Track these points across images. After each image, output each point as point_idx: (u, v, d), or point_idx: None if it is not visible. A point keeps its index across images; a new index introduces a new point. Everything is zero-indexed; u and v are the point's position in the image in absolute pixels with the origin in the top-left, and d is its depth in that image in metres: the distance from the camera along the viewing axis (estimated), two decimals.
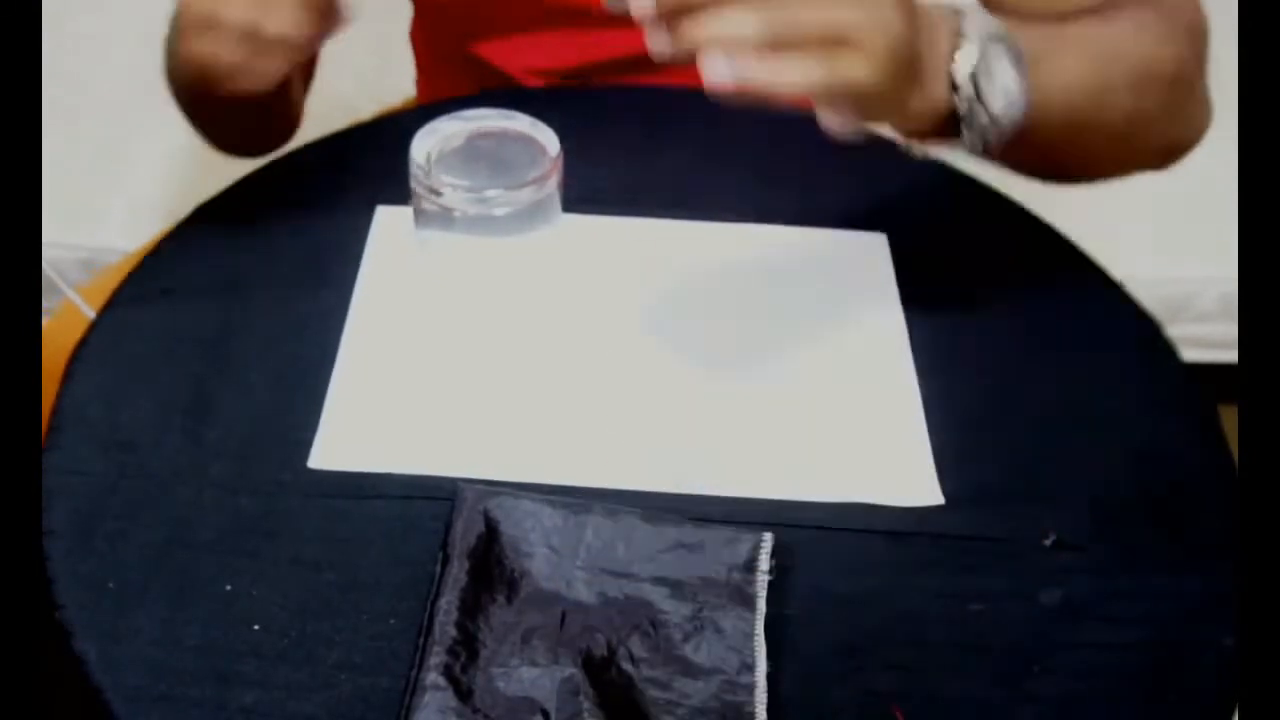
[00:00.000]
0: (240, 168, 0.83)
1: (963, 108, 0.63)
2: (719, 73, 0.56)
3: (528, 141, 0.72)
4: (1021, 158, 0.70)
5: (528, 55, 0.96)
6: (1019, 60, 0.63)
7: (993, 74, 0.62)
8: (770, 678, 0.58)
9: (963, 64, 0.62)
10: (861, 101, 0.59)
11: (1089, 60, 0.67)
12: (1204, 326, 1.46)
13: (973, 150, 0.65)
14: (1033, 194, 0.83)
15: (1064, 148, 0.70)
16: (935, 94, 0.62)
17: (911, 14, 0.59)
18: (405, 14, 1.09)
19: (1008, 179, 0.88)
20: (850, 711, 0.57)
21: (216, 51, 0.71)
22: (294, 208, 0.80)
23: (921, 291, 0.78)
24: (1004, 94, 0.63)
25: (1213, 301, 1.45)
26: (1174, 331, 0.80)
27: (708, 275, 0.78)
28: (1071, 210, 0.95)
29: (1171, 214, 1.46)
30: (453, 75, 1.04)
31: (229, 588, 0.60)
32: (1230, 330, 1.46)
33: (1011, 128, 0.64)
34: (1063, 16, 0.70)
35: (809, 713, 0.57)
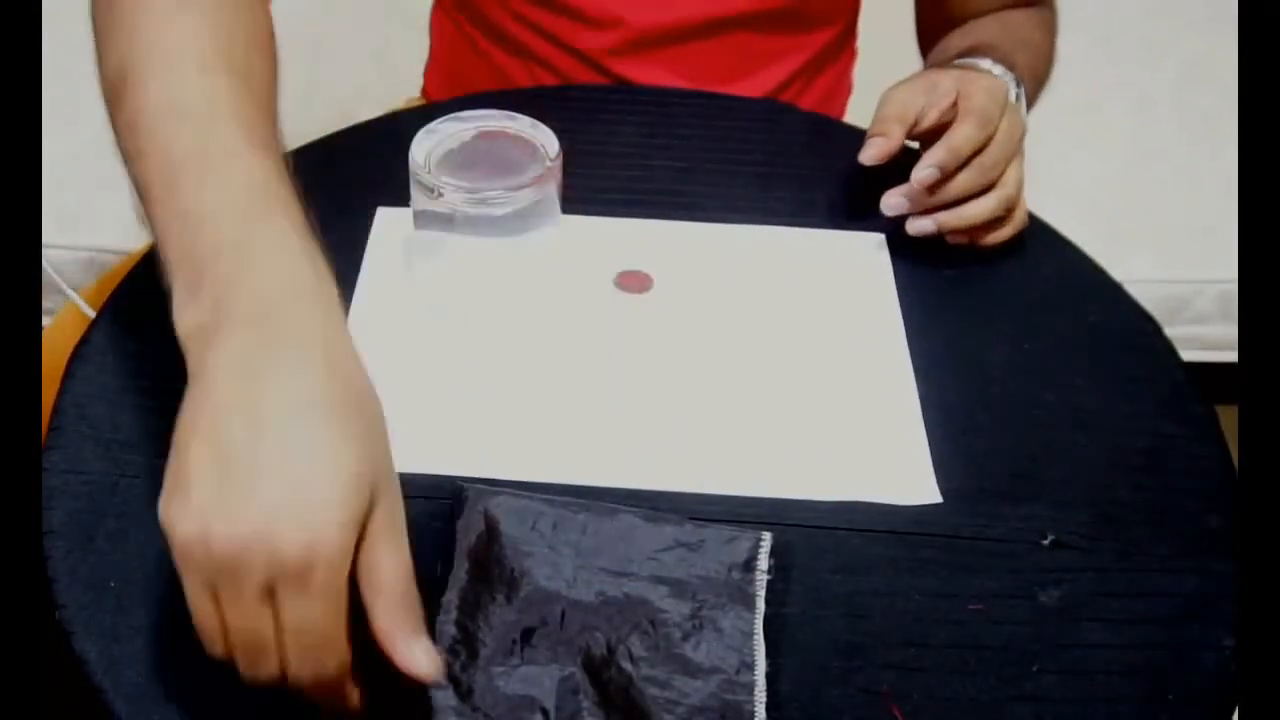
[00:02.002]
0: None
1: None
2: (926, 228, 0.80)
3: (528, 142, 0.72)
4: None
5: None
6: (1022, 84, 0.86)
7: (1023, 99, 0.85)
8: (770, 677, 0.58)
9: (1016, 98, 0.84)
10: None
11: (1032, 62, 0.90)
12: (1203, 327, 1.46)
13: None
14: (1032, 194, 0.83)
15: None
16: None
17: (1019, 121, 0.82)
18: (407, 13, 1.09)
19: None
20: (850, 711, 0.58)
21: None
22: None
23: (921, 291, 0.78)
24: (1029, 101, 0.86)
25: (1212, 301, 1.45)
26: (1173, 331, 0.80)
27: (707, 275, 0.78)
28: (1072, 210, 0.96)
29: (1171, 214, 1.46)
30: (473, 63, 1.04)
31: None
32: (1229, 330, 1.46)
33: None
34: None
35: (809, 712, 0.57)
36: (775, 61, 1.01)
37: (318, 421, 0.49)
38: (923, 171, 0.77)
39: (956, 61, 0.85)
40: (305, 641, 0.48)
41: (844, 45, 1.06)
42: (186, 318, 0.53)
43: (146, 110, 0.59)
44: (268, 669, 0.50)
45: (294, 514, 0.47)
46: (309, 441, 0.48)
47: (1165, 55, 1.63)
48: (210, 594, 0.48)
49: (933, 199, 0.79)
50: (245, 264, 0.52)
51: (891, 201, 0.80)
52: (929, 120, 0.80)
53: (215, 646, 0.50)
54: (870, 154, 0.79)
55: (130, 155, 0.60)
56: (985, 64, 0.84)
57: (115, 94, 0.62)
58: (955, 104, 0.79)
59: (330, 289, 0.53)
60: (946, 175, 0.78)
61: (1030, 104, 0.89)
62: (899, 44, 1.06)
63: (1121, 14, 1.71)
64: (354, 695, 0.52)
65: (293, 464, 0.48)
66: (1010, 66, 0.84)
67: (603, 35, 0.97)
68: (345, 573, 0.48)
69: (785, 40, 1.00)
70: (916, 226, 0.80)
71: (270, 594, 0.48)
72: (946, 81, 0.81)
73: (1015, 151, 0.80)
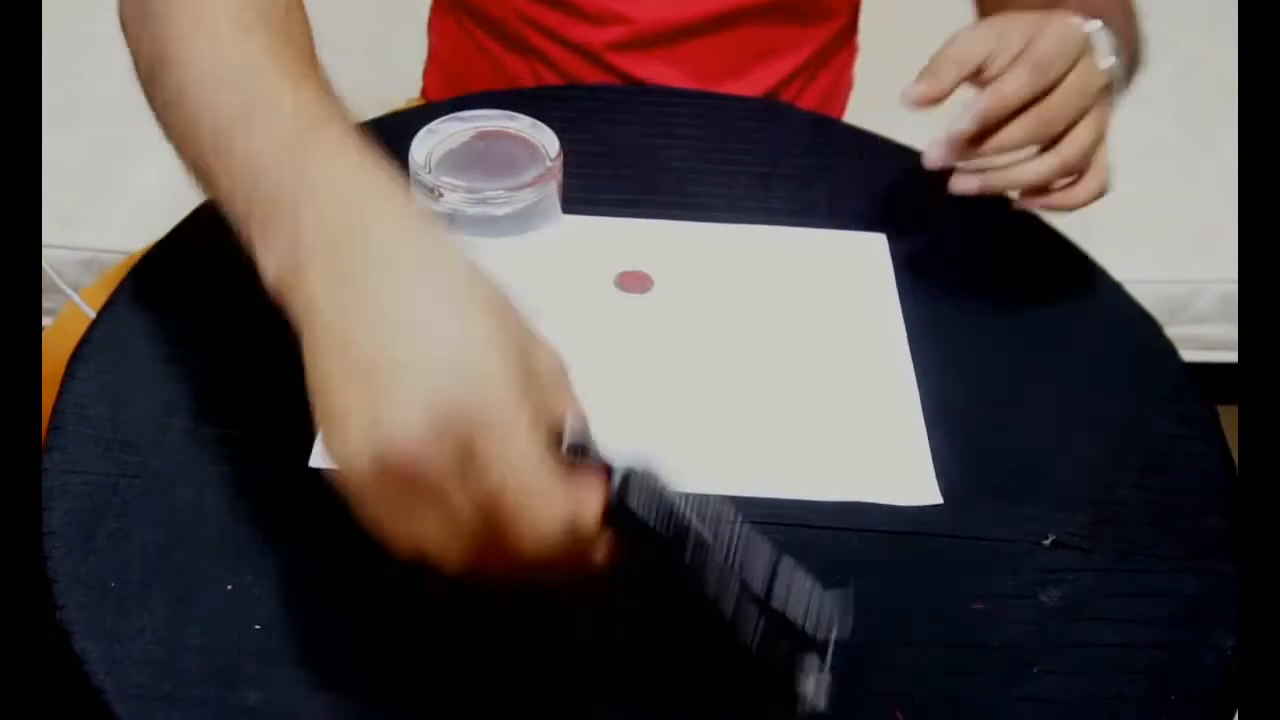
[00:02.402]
0: None
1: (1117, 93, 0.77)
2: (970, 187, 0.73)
3: (528, 142, 0.72)
4: None
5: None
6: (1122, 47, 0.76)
7: (1121, 73, 0.76)
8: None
9: (1106, 71, 0.74)
10: None
11: (1130, 23, 0.83)
12: (1203, 327, 1.46)
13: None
14: None
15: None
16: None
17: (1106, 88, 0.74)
18: (407, 13, 1.08)
19: None
20: (850, 712, 0.57)
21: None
22: None
23: (921, 291, 0.78)
24: (1128, 75, 0.77)
25: (1212, 302, 1.45)
26: (1174, 332, 0.80)
27: (707, 275, 0.78)
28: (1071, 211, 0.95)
29: (1171, 214, 1.46)
30: (474, 62, 1.04)
31: (230, 587, 0.60)
32: (1229, 330, 1.46)
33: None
34: None
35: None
36: (779, 56, 1.01)
37: (428, 297, 0.47)
38: (963, 120, 0.70)
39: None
40: (525, 489, 0.45)
41: (845, 40, 1.06)
42: (269, 266, 0.51)
43: (189, 83, 0.58)
44: (500, 555, 0.46)
45: (450, 380, 0.45)
46: (430, 316, 0.47)
47: (1165, 54, 1.63)
48: (411, 513, 0.46)
49: (979, 152, 0.71)
50: (307, 192, 0.51)
51: (934, 153, 0.72)
52: (995, 68, 0.71)
53: (447, 565, 0.47)
54: (912, 93, 0.71)
55: (178, 132, 0.60)
56: (1069, 16, 0.75)
57: (153, 76, 0.61)
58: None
59: (394, 181, 0.52)
60: (993, 126, 0.70)
61: (1130, 74, 0.80)
62: (900, 39, 1.06)
63: None
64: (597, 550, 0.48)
65: (426, 341, 0.46)
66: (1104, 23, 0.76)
67: (605, 31, 0.96)
68: (526, 403, 0.46)
69: (789, 33, 1.00)
70: (960, 185, 0.73)
71: (471, 470, 0.45)
72: (1020, 28, 0.72)
73: (1084, 106, 0.72)
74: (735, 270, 0.79)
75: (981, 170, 0.73)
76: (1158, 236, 1.44)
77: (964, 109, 0.70)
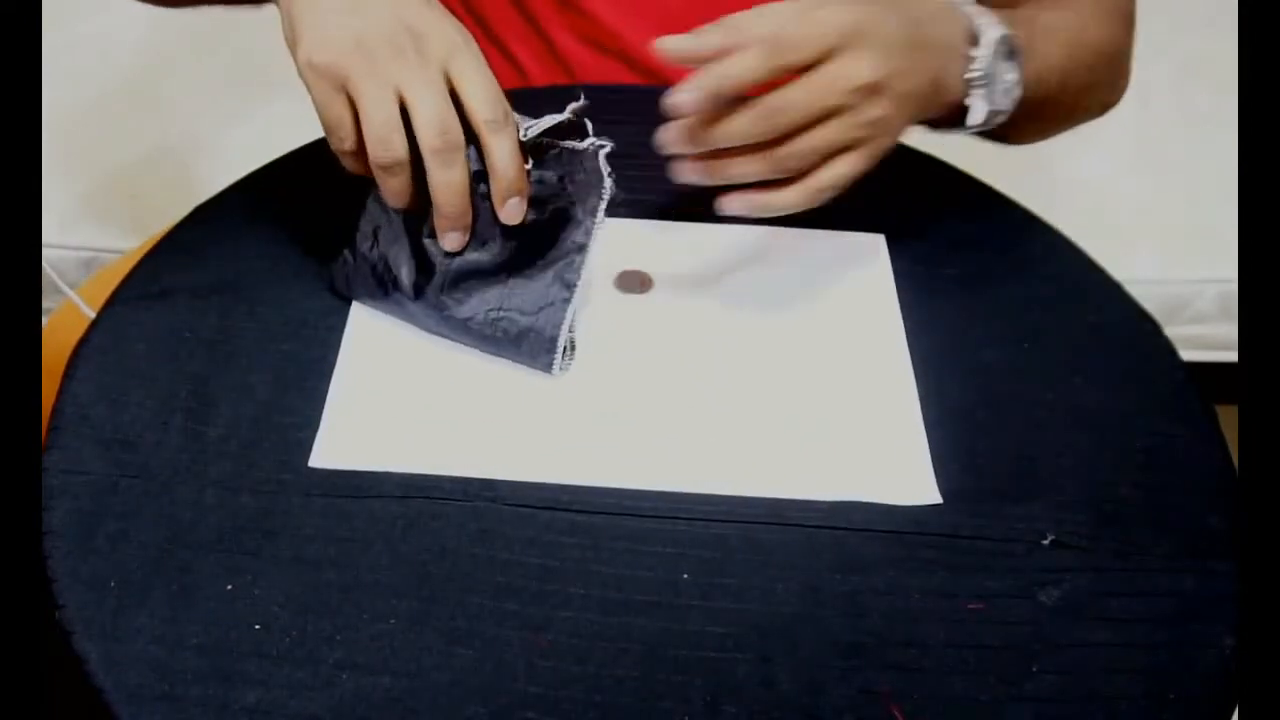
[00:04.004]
0: (240, 167, 0.83)
1: (977, 105, 0.73)
2: (734, 208, 0.68)
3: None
4: (998, 131, 0.79)
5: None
6: (1018, 57, 0.74)
7: (1000, 73, 0.73)
8: (770, 677, 0.58)
9: (978, 68, 0.72)
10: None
11: (1060, 46, 0.79)
12: (1203, 327, 1.46)
13: (972, 131, 0.75)
14: (1032, 194, 0.83)
15: (1031, 118, 0.79)
16: (952, 95, 0.72)
17: (923, 76, 0.68)
18: None
19: (1007, 177, 0.88)
20: (850, 711, 0.58)
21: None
22: (294, 208, 0.80)
23: (920, 291, 0.78)
24: (1006, 88, 0.74)
25: (1212, 301, 1.45)
26: (1173, 331, 0.80)
27: (707, 275, 0.78)
28: (1072, 210, 0.96)
29: (1171, 214, 1.46)
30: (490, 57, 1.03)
31: (230, 587, 0.60)
32: (1229, 330, 1.46)
33: (1010, 113, 0.75)
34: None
35: (809, 712, 0.57)
36: None
37: None
38: (677, 94, 0.62)
39: None
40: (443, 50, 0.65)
41: None
42: None
43: None
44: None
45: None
46: None
47: (1165, 53, 1.63)
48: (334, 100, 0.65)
49: (703, 142, 0.64)
50: None
51: (664, 137, 0.66)
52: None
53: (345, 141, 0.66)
54: (669, 48, 0.64)
55: None
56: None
57: None
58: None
59: None
60: (714, 113, 0.63)
61: (1044, 90, 0.77)
62: None
63: None
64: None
65: None
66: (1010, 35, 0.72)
67: None
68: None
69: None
70: (682, 173, 0.68)
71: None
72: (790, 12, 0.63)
73: (826, 105, 0.63)
74: (734, 270, 0.79)
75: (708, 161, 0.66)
76: (1158, 236, 1.44)
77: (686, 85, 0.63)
